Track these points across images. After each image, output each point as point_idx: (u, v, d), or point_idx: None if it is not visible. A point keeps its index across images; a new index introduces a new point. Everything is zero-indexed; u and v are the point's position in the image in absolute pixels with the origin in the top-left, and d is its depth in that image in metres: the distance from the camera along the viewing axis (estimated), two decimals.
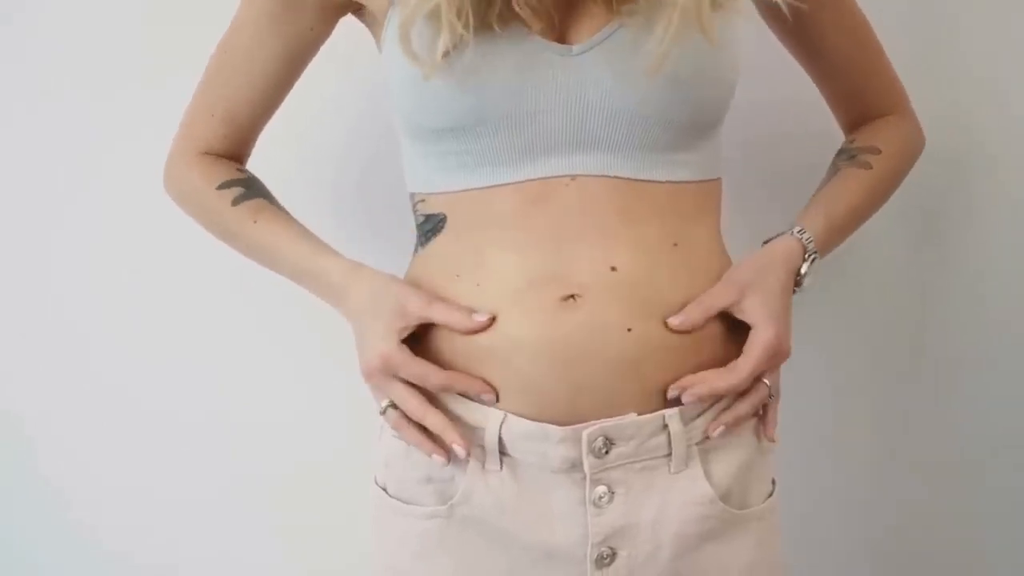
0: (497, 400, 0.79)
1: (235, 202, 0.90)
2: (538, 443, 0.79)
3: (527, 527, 0.80)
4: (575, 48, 0.78)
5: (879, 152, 0.95)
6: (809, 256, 0.86)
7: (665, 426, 0.80)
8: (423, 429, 0.81)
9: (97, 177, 1.18)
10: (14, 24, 1.14)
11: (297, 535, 1.27)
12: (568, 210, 0.78)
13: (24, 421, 1.24)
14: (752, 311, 0.81)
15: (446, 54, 0.73)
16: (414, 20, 0.73)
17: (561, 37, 0.79)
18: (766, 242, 0.89)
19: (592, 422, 0.78)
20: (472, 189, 0.80)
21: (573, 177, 0.78)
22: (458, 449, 0.79)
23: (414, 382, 0.80)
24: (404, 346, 0.80)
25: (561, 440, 0.78)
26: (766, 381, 0.83)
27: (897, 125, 0.98)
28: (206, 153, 0.92)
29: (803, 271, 0.86)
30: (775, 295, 0.83)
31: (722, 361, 0.81)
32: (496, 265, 0.79)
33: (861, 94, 0.98)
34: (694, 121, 0.80)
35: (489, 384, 0.79)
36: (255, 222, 0.89)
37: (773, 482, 0.89)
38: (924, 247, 1.24)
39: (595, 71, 0.77)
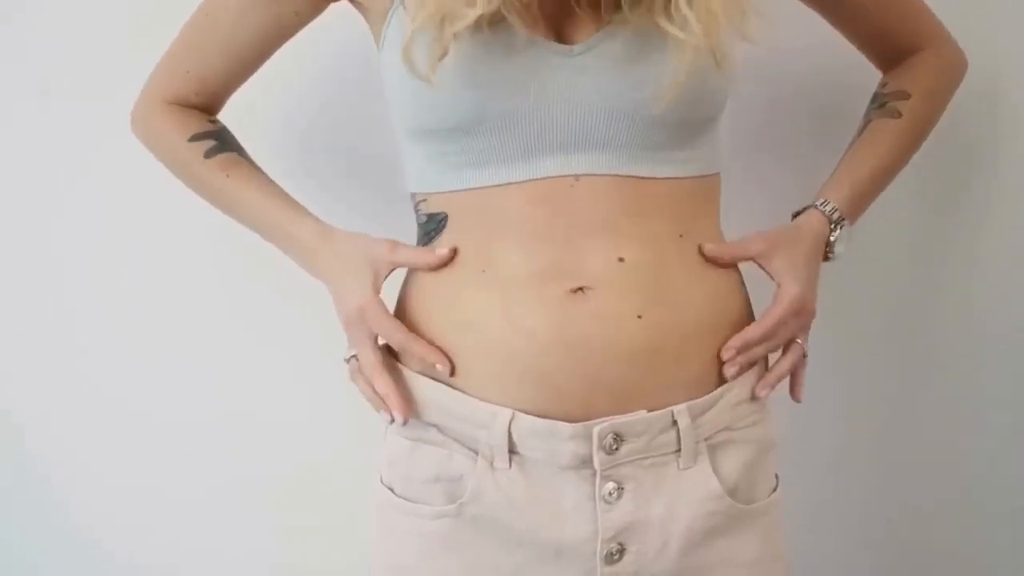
0: (453, 373, 0.81)
1: (208, 155, 0.91)
2: (547, 440, 0.79)
3: (537, 524, 0.81)
4: (575, 48, 0.78)
5: (908, 97, 0.95)
6: (835, 225, 0.89)
7: (674, 422, 0.80)
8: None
9: (96, 178, 1.17)
10: (13, 24, 1.13)
11: (297, 535, 1.26)
12: (574, 210, 0.78)
13: (23, 421, 1.24)
14: (779, 270, 0.86)
15: (441, 59, 0.74)
16: (418, 39, 0.74)
17: (561, 37, 0.79)
18: (795, 215, 0.92)
19: (603, 419, 0.78)
20: (475, 188, 0.80)
21: (577, 177, 0.79)
22: (396, 414, 0.82)
23: (382, 336, 0.83)
24: (380, 300, 0.83)
25: (571, 437, 0.78)
26: (799, 341, 0.87)
27: (928, 62, 0.97)
28: (176, 104, 0.92)
29: (832, 239, 0.89)
30: (801, 261, 0.87)
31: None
32: (502, 260, 0.79)
33: (887, 34, 0.97)
34: (694, 119, 0.81)
35: (445, 355, 0.80)
36: (227, 176, 0.90)
37: (776, 477, 0.90)
38: (923, 246, 1.25)
39: (594, 71, 0.78)
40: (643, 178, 0.79)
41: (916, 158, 1.00)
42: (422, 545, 0.84)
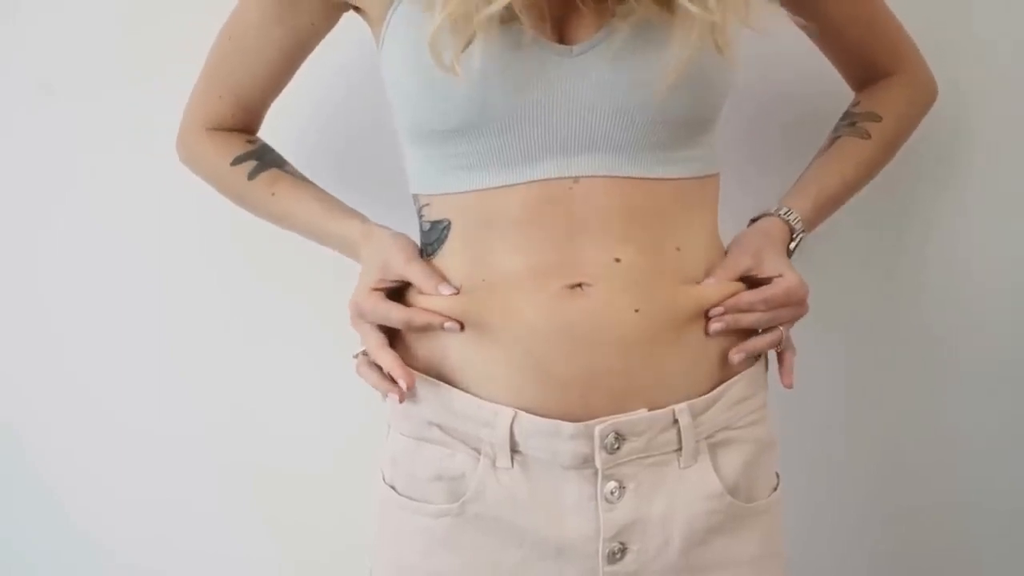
0: (462, 329, 0.80)
1: (251, 176, 0.94)
2: (549, 439, 0.79)
3: (538, 523, 0.81)
4: (575, 48, 0.78)
5: (879, 119, 0.97)
6: (797, 236, 0.90)
7: (675, 421, 0.81)
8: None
9: (98, 180, 1.17)
10: (16, 22, 1.13)
11: (300, 536, 1.26)
12: (573, 212, 0.79)
13: (23, 424, 1.23)
14: (774, 266, 0.86)
15: (465, 49, 0.74)
16: (444, 29, 0.74)
17: (561, 37, 0.79)
18: (753, 220, 0.92)
19: (604, 418, 0.79)
20: (476, 190, 0.80)
21: (576, 179, 0.79)
22: (401, 383, 0.81)
23: (380, 323, 0.84)
24: (375, 292, 0.85)
25: (572, 436, 0.79)
26: (782, 328, 0.87)
27: (902, 86, 1.00)
28: (215, 128, 0.96)
29: (791, 248, 0.90)
30: (786, 258, 0.88)
31: (725, 342, 0.84)
32: (501, 261, 0.80)
33: (865, 53, 0.99)
34: (695, 118, 0.81)
35: (451, 317, 0.80)
36: (273, 194, 0.94)
37: (777, 476, 0.90)
38: (924, 245, 1.25)
39: (596, 71, 0.78)
40: (643, 179, 0.80)
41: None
42: (424, 543, 0.84)
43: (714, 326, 0.82)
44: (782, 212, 0.91)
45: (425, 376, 0.83)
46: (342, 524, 1.17)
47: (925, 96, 1.02)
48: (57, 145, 1.16)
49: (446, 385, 0.82)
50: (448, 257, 0.83)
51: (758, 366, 0.88)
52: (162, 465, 1.24)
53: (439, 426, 0.83)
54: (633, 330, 0.78)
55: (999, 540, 1.32)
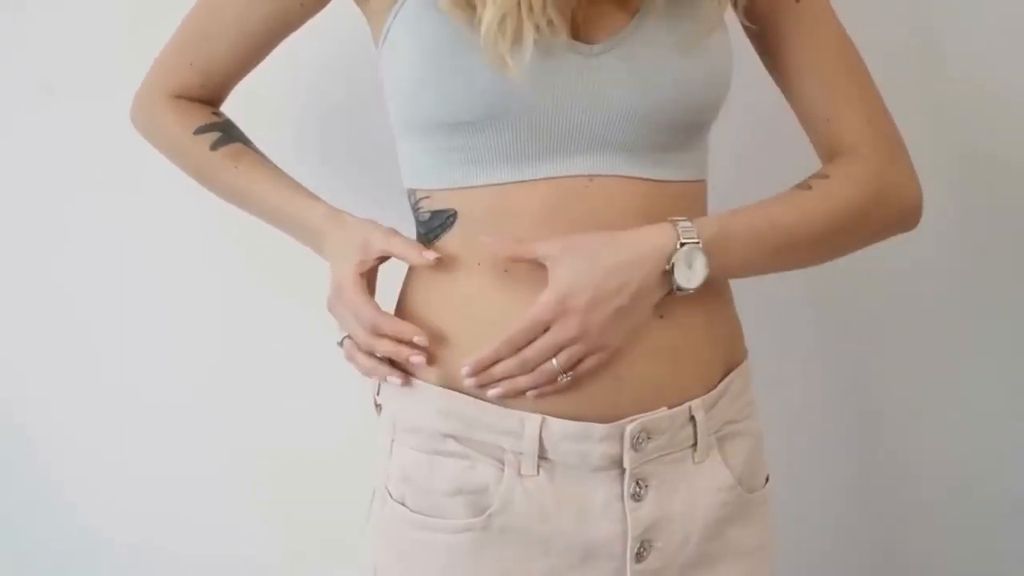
0: (428, 362, 0.79)
1: (213, 147, 0.90)
2: (579, 443, 0.79)
3: (565, 528, 0.80)
4: (595, 48, 0.78)
5: (826, 177, 0.84)
6: (681, 244, 0.76)
7: (691, 417, 0.82)
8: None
9: (93, 168, 1.17)
10: (16, 22, 1.13)
11: (297, 532, 1.27)
12: (587, 211, 0.79)
13: (24, 408, 1.23)
14: (557, 270, 0.75)
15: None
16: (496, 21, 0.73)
17: (581, 34, 0.79)
18: None
19: (631, 417, 0.79)
20: (486, 186, 0.79)
21: (591, 178, 0.79)
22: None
23: (352, 313, 0.82)
24: (358, 277, 0.82)
25: (603, 438, 0.79)
26: (554, 362, 0.76)
27: (865, 161, 0.85)
28: (179, 97, 0.92)
29: (673, 260, 0.76)
30: (595, 268, 0.75)
31: (731, 339, 0.86)
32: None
33: (831, 122, 0.86)
34: (701, 121, 0.83)
35: (421, 350, 0.78)
36: (236, 167, 0.90)
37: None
38: (918, 246, 1.27)
39: (614, 72, 0.78)
40: (653, 180, 0.80)
41: None
42: (444, 560, 0.81)
43: (493, 392, 0.77)
44: (674, 217, 0.78)
45: (437, 387, 0.81)
46: (341, 520, 1.17)
47: (890, 187, 0.85)
48: (57, 145, 1.15)
49: (460, 394, 0.80)
50: (455, 240, 0.81)
51: (747, 360, 0.90)
52: (162, 462, 1.24)
53: (455, 438, 0.81)
54: (660, 336, 0.79)
55: (990, 530, 1.35)
